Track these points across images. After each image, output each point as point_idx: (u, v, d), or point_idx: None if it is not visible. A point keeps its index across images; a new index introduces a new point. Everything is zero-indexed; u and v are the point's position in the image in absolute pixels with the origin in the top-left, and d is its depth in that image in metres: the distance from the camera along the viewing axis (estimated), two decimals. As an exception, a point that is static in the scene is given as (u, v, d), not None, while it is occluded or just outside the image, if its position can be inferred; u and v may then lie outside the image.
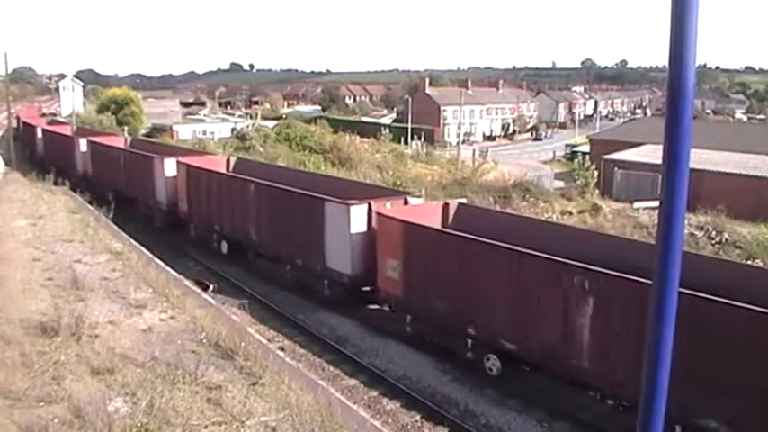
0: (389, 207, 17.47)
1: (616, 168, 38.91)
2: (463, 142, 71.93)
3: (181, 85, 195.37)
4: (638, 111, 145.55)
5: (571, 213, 30.70)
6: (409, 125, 77.19)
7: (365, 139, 63.06)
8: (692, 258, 11.36)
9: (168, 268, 18.64)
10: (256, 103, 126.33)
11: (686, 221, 23.53)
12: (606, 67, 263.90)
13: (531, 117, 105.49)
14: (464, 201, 21.24)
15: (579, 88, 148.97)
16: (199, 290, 17.74)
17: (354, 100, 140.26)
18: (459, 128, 74.42)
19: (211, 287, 19.27)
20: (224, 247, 23.28)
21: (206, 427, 9.17)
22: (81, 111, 71.78)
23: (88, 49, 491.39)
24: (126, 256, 18.56)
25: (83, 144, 34.31)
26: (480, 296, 13.86)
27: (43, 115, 69.20)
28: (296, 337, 16.44)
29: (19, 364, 10.53)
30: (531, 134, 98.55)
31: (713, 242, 25.65)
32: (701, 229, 26.40)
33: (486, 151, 67.78)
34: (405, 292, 15.77)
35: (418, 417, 12.63)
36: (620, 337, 11.11)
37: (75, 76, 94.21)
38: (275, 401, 10.13)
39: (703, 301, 9.89)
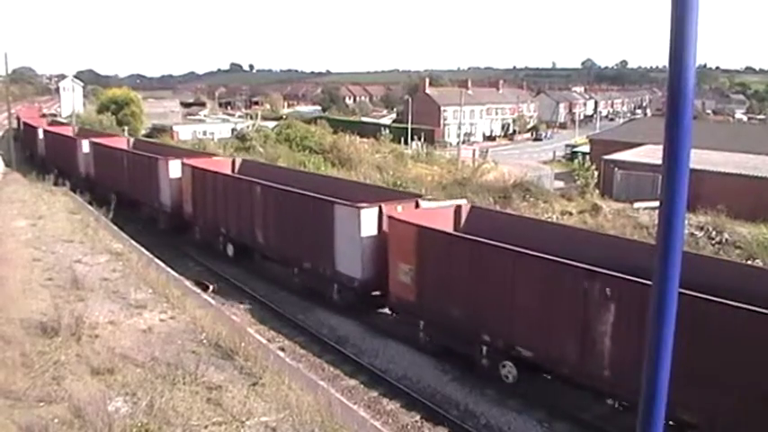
0: (400, 210, 17.13)
1: (616, 168, 38.91)
2: (463, 142, 71.96)
3: (181, 86, 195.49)
4: (639, 111, 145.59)
5: (571, 213, 30.70)
6: (409, 125, 77.22)
7: (365, 140, 63.10)
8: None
9: (168, 269, 18.64)
10: (256, 103, 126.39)
11: (686, 221, 23.53)
12: (606, 68, 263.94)
13: (531, 117, 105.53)
14: (477, 204, 20.81)
15: (579, 88, 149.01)
16: (199, 290, 17.74)
17: (354, 100, 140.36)
18: (459, 128, 74.45)
19: (211, 288, 19.27)
20: (230, 250, 23.04)
21: (206, 427, 9.16)
22: (81, 111, 71.79)
23: (88, 49, 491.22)
24: (126, 257, 18.55)
25: (85, 145, 34.09)
26: (496, 302, 13.51)
27: (43, 116, 69.21)
28: (296, 338, 16.44)
29: (19, 364, 10.53)
30: (532, 134, 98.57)
31: (713, 242, 25.65)
32: (701, 229, 26.40)
33: (487, 151, 67.80)
34: (417, 297, 15.42)
35: (418, 417, 12.63)
36: (642, 345, 10.86)
37: (76, 77, 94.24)
38: (275, 402, 10.13)
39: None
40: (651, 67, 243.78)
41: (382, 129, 73.09)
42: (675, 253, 2.37)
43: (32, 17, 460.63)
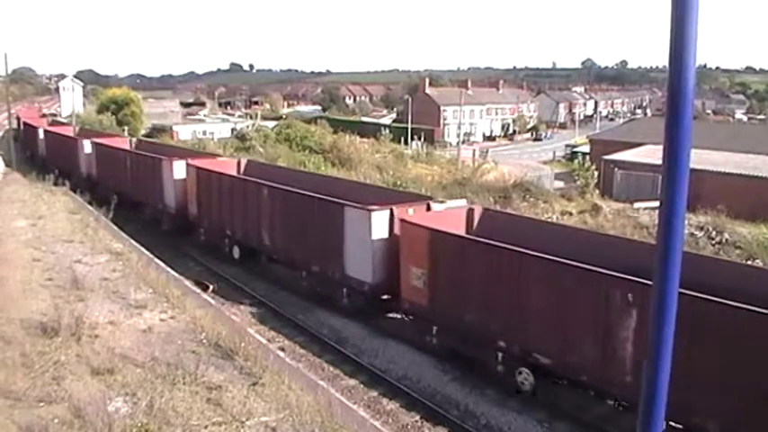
0: (411, 213, 16.76)
1: (616, 169, 38.93)
2: (463, 142, 71.97)
3: (181, 86, 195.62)
4: (639, 111, 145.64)
5: (571, 214, 30.72)
6: (409, 125, 77.22)
7: (365, 140, 63.10)
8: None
9: (168, 269, 18.63)
10: (256, 103, 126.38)
11: (686, 221, 23.53)
12: (606, 68, 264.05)
13: (531, 117, 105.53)
14: (489, 207, 20.39)
15: (579, 88, 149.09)
16: (199, 290, 17.74)
17: (354, 100, 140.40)
18: (459, 128, 74.45)
19: (211, 288, 19.27)
20: (236, 252, 22.69)
21: (206, 427, 9.16)
22: (81, 111, 71.80)
23: (88, 49, 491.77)
24: (126, 257, 18.55)
25: (87, 145, 33.80)
26: (513, 307, 13.19)
27: (44, 116, 69.10)
28: (296, 338, 16.43)
29: (19, 364, 10.54)
30: (531, 134, 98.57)
31: (713, 242, 25.65)
32: (702, 229, 26.40)
33: (487, 151, 67.81)
34: (430, 301, 15.08)
35: (418, 417, 12.63)
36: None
37: (75, 77, 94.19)
38: (275, 402, 10.13)
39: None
40: (651, 67, 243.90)
41: (382, 129, 73.10)
42: (675, 253, 2.37)
43: (32, 17, 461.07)
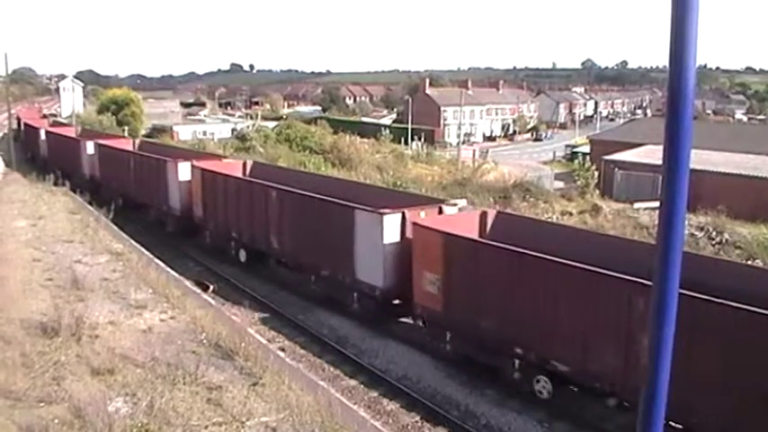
0: (423, 216, 16.55)
1: (616, 169, 38.94)
2: (463, 143, 71.99)
3: (181, 86, 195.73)
4: (639, 111, 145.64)
5: (571, 214, 30.73)
6: (409, 126, 77.25)
7: (365, 140, 63.10)
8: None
9: (168, 269, 18.64)
10: (256, 103, 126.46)
11: (686, 222, 23.51)
12: (606, 68, 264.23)
13: (531, 117, 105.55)
14: (503, 210, 19.99)
15: (579, 89, 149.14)
16: (199, 290, 17.74)
17: (354, 100, 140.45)
18: (459, 128, 74.48)
19: (211, 288, 19.27)
20: (242, 256, 22.35)
21: (206, 427, 9.17)
22: (81, 111, 71.86)
23: (88, 49, 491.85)
24: (126, 257, 18.56)
25: (89, 147, 33.45)
26: (530, 313, 12.87)
27: (44, 116, 69.08)
28: (296, 338, 16.43)
29: (19, 364, 10.54)
30: (532, 135, 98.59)
31: (713, 242, 25.66)
32: (702, 229, 26.41)
33: (487, 152, 67.81)
34: (445, 307, 14.72)
35: (418, 417, 12.63)
36: (690, 359, 10.12)
37: (76, 77, 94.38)
38: (275, 402, 10.14)
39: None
40: (651, 68, 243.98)
41: (382, 129, 73.11)
42: (675, 253, 2.37)
43: (32, 17, 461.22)
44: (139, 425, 8.85)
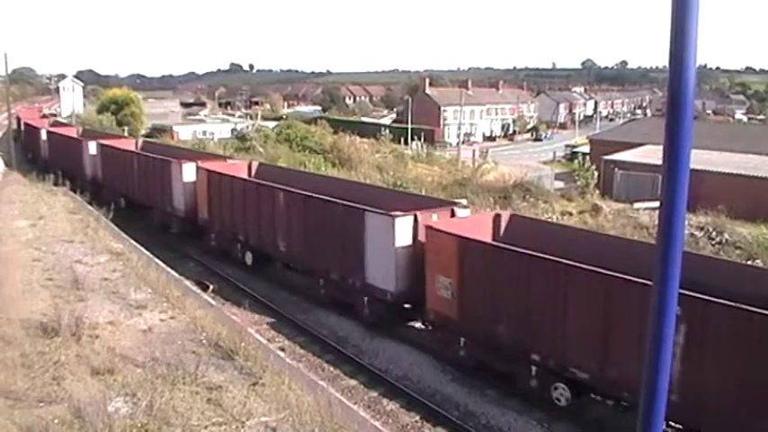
0: (435, 219, 16.12)
1: (616, 169, 38.93)
2: (463, 143, 72.03)
3: (181, 86, 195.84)
4: (639, 111, 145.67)
5: (571, 214, 30.74)
6: (409, 125, 77.25)
7: (365, 140, 63.07)
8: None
9: (168, 269, 18.65)
10: (256, 103, 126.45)
11: (686, 222, 23.52)
12: (606, 68, 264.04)
13: (531, 117, 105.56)
14: (516, 213, 19.67)
15: (579, 89, 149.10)
16: (199, 290, 17.74)
17: (354, 100, 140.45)
18: (459, 128, 74.52)
19: (211, 288, 19.26)
20: (248, 259, 21.89)
21: (206, 427, 9.17)
22: (81, 111, 71.87)
23: (88, 49, 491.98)
24: (126, 257, 18.57)
25: (92, 147, 33.00)
26: (548, 319, 12.55)
27: (44, 116, 69.02)
28: (296, 338, 16.43)
29: (19, 364, 10.55)
30: (532, 134, 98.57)
31: (713, 242, 25.67)
32: (702, 229, 26.42)
33: (487, 152, 67.85)
34: (459, 312, 14.36)
35: (418, 417, 12.63)
36: (714, 368, 10.17)
37: (76, 77, 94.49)
38: (275, 402, 10.14)
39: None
40: (651, 68, 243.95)
41: (382, 129, 73.18)
42: (675, 253, 2.37)
43: (32, 17, 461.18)
44: (139, 425, 8.85)
